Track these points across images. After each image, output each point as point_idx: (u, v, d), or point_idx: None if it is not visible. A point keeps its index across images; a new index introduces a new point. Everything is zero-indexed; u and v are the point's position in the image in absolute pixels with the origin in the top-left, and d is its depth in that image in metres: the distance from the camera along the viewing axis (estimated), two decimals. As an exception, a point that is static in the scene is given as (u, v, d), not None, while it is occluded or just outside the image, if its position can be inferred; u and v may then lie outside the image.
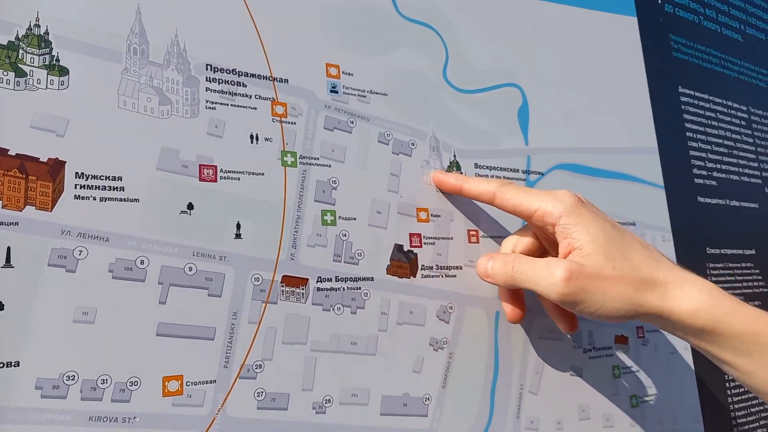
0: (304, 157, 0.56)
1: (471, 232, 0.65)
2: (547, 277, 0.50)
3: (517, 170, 0.70)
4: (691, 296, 0.48)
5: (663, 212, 0.84)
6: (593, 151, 0.78)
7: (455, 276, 0.63)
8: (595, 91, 0.81)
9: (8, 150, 0.44)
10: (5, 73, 0.45)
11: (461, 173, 0.66)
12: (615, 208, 0.78)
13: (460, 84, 0.68)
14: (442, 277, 0.62)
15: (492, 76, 0.71)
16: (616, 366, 0.73)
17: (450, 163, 0.65)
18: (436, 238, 0.62)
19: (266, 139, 0.55)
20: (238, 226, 0.52)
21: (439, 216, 0.63)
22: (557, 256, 0.55)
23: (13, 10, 0.46)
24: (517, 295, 0.58)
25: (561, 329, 0.56)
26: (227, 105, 0.54)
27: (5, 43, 0.45)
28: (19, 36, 0.46)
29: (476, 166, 0.67)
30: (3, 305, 0.42)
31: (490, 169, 0.68)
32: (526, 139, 0.72)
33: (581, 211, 0.51)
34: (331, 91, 0.59)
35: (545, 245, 0.60)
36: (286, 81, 0.57)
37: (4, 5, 0.46)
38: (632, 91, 0.86)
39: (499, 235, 0.67)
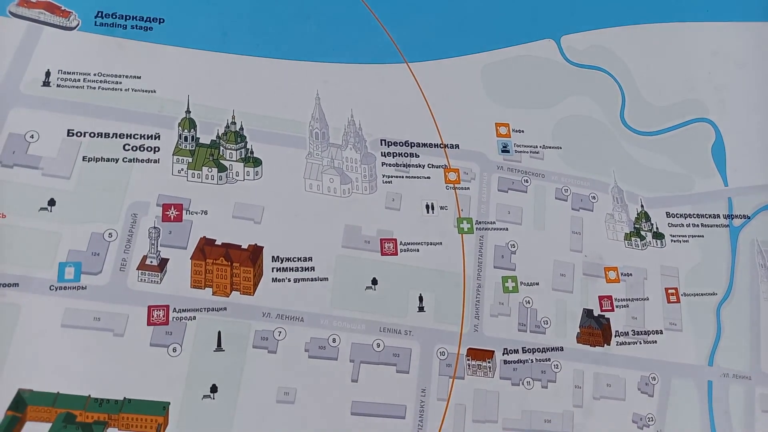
0: (480, 222, 0.55)
1: (669, 291, 0.58)
2: None
3: (718, 215, 0.62)
4: None
5: None
6: (809, 185, 0.67)
7: (655, 342, 0.56)
8: (804, 114, 0.70)
9: (215, 240, 0.48)
10: (210, 169, 0.49)
11: (651, 224, 0.60)
12: None
13: (640, 126, 0.63)
14: (640, 343, 0.56)
15: (676, 113, 0.65)
16: None
17: (638, 214, 0.59)
18: (629, 299, 0.57)
19: (441, 208, 0.54)
20: (421, 298, 0.51)
21: (631, 275, 0.57)
22: None
23: (213, 112, 0.51)
24: None
25: None
26: (402, 177, 0.54)
27: (208, 143, 0.50)
28: (219, 134, 0.50)
29: (668, 215, 0.60)
30: (217, 388, 0.45)
31: (685, 218, 0.61)
32: (724, 179, 0.64)
33: None
34: (503, 151, 0.57)
35: None
36: (457, 146, 0.56)
37: (206, 109, 0.50)
38: None
39: (703, 292, 0.59)
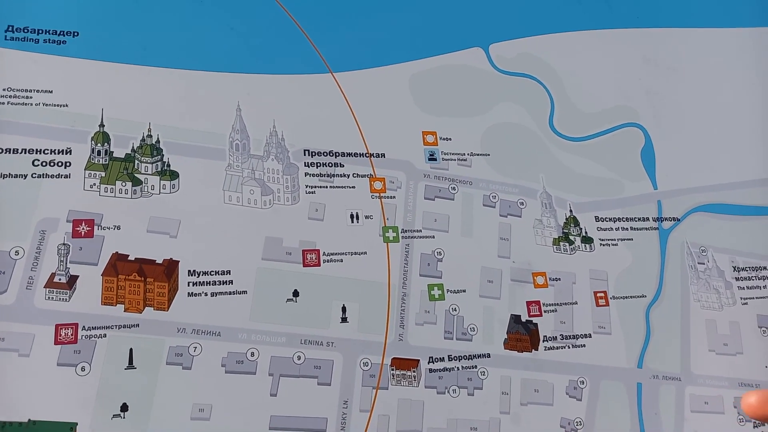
0: (405, 231, 0.55)
1: (598, 295, 0.58)
2: None
3: (647, 218, 0.63)
4: None
5: (840, 248, 0.71)
6: (736, 186, 0.68)
7: (584, 346, 0.56)
8: (731, 117, 0.71)
9: (128, 255, 0.47)
10: (124, 183, 0.48)
11: (580, 229, 0.60)
12: (775, 250, 0.67)
13: (570, 132, 0.63)
14: (569, 348, 0.56)
15: (606, 119, 0.65)
16: (801, 442, 0.60)
17: (566, 219, 0.60)
18: (557, 304, 0.57)
19: (366, 217, 0.54)
20: (344, 309, 0.51)
21: (559, 279, 0.58)
22: None
23: (128, 125, 0.50)
24: None
25: None
26: (326, 187, 0.54)
27: (123, 157, 0.49)
28: (134, 147, 0.50)
29: (597, 219, 0.61)
30: (127, 406, 0.44)
31: (614, 221, 0.61)
32: (654, 183, 0.64)
33: None
34: (430, 159, 0.57)
35: None
36: (383, 155, 0.56)
37: (121, 122, 0.50)
38: (781, 111, 0.75)
39: (632, 295, 0.59)
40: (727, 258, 0.65)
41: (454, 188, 0.57)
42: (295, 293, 0.50)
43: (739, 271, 0.64)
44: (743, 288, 0.64)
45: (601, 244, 0.60)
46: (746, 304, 0.63)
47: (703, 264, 0.63)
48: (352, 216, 0.54)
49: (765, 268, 0.66)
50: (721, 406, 0.59)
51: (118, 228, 0.47)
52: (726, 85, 0.72)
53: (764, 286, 0.65)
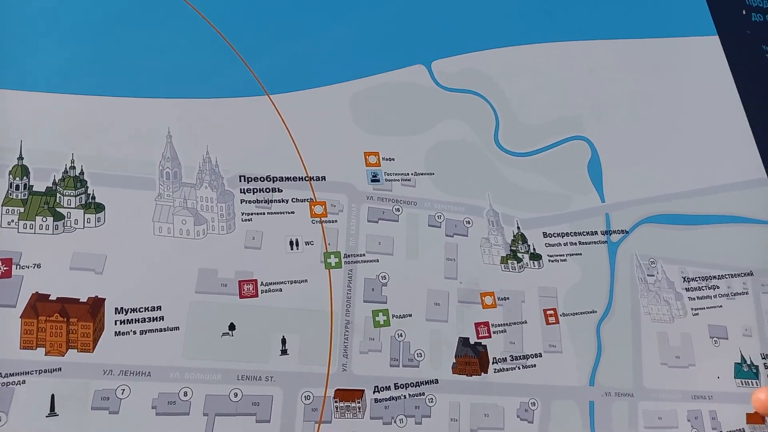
0: (348, 256, 0.53)
1: (548, 312, 0.58)
2: None
3: (595, 232, 0.62)
4: None
5: (788, 254, 0.71)
6: (687, 195, 0.68)
7: (534, 366, 0.55)
8: (681, 126, 0.71)
9: (49, 295, 0.45)
10: (44, 219, 0.46)
11: (528, 246, 0.59)
12: (724, 258, 0.67)
13: (515, 147, 0.63)
14: (519, 368, 0.55)
15: (551, 133, 0.65)
16: (755, 452, 0.60)
17: (514, 236, 0.59)
18: (507, 324, 0.56)
19: (307, 243, 0.52)
20: (284, 341, 0.49)
21: (508, 299, 0.57)
22: None
23: (50, 157, 0.48)
24: None
25: None
26: (263, 214, 0.52)
27: (44, 190, 0.47)
28: (56, 180, 0.47)
29: (545, 235, 0.60)
30: (48, 458, 0.41)
31: (562, 236, 0.61)
32: (601, 196, 0.64)
33: None
34: (372, 180, 0.56)
35: None
36: (323, 178, 0.55)
37: (41, 154, 0.47)
38: (726, 119, 0.75)
39: (582, 311, 0.59)
40: (676, 269, 0.64)
41: (398, 209, 0.56)
42: (231, 327, 0.48)
43: (689, 282, 0.64)
44: (694, 299, 0.64)
45: (549, 261, 0.59)
46: (697, 314, 0.63)
47: (653, 276, 0.63)
48: (291, 243, 0.52)
49: (715, 277, 0.66)
50: (675, 420, 0.58)
51: (39, 266, 0.45)
52: (671, 95, 0.72)
53: (715, 296, 0.65)
